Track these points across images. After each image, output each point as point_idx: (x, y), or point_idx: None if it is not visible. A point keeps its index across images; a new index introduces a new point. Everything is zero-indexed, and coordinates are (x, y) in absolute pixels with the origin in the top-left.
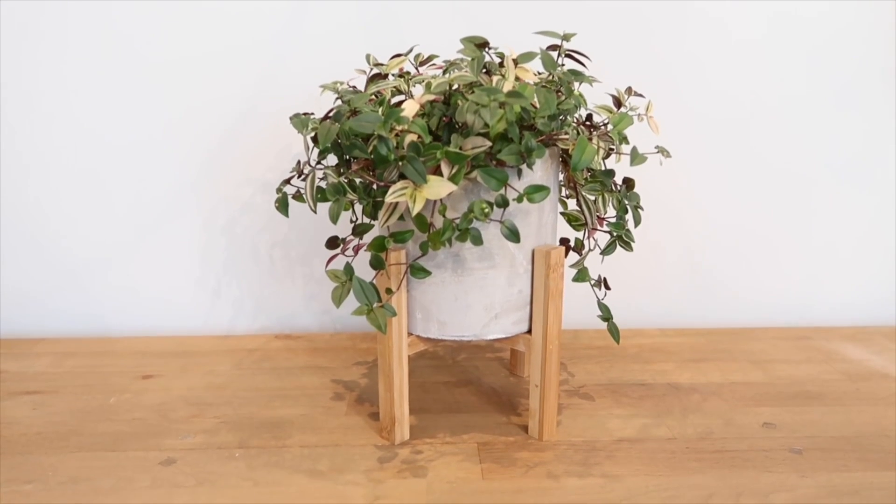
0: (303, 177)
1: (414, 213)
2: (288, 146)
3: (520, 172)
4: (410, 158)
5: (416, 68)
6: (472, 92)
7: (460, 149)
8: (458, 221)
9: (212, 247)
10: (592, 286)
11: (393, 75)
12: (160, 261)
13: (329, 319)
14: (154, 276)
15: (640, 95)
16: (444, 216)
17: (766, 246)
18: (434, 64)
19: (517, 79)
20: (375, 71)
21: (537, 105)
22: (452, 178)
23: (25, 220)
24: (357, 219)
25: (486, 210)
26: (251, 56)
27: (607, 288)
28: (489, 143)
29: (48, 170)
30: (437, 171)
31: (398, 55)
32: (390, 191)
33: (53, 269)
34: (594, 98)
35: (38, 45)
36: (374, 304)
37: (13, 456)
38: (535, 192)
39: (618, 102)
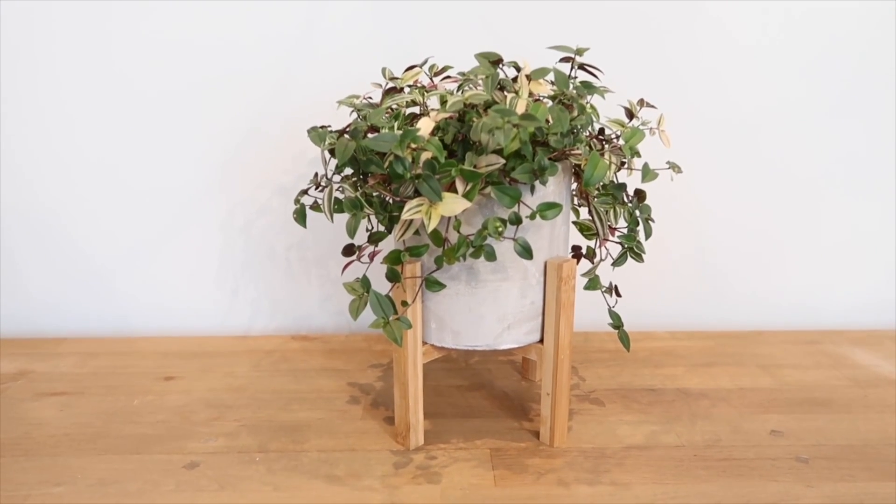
0: (320, 188)
1: (429, 229)
2: (304, 150)
3: (533, 189)
4: (426, 177)
5: (431, 79)
6: (487, 111)
7: (475, 166)
8: (472, 238)
9: (230, 248)
10: (603, 293)
11: (409, 86)
12: (180, 262)
13: (345, 320)
14: (174, 277)
15: (652, 106)
16: (458, 231)
17: (775, 249)
18: (449, 76)
19: (531, 94)
20: (391, 84)
21: (551, 120)
22: (467, 195)
23: (48, 222)
24: (373, 227)
25: (500, 229)
26: (269, 59)
27: (618, 295)
28: (503, 161)
29: (70, 173)
30: (452, 187)
31: (413, 66)
32: (406, 208)
33: (76, 270)
34: (606, 107)
35: (62, 44)
36: (391, 317)
37: (43, 457)
38: (548, 210)
39: (630, 114)
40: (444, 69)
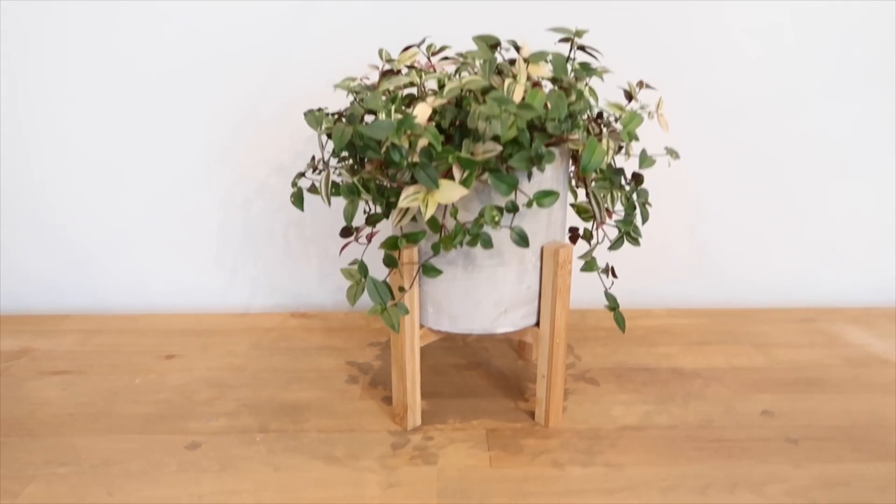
0: (317, 171)
1: (426, 216)
2: (301, 129)
3: (530, 175)
4: (423, 165)
5: (429, 58)
6: (484, 97)
7: (472, 154)
8: (469, 225)
9: (229, 226)
10: (600, 274)
11: (406, 67)
12: (180, 240)
13: (343, 298)
14: (174, 254)
15: (652, 88)
16: (455, 218)
17: (771, 227)
18: (447, 57)
19: (528, 78)
20: (388, 66)
21: (548, 107)
22: (464, 183)
23: (45, 199)
24: (370, 210)
25: (497, 218)
26: (266, 38)
27: (614, 276)
28: (500, 148)
29: (69, 152)
30: (449, 174)
31: (410, 47)
32: (403, 195)
33: (77, 248)
34: (605, 89)
35: (60, 27)
36: (388, 303)
37: (47, 437)
38: (545, 198)
39: (629, 96)
40: (442, 48)
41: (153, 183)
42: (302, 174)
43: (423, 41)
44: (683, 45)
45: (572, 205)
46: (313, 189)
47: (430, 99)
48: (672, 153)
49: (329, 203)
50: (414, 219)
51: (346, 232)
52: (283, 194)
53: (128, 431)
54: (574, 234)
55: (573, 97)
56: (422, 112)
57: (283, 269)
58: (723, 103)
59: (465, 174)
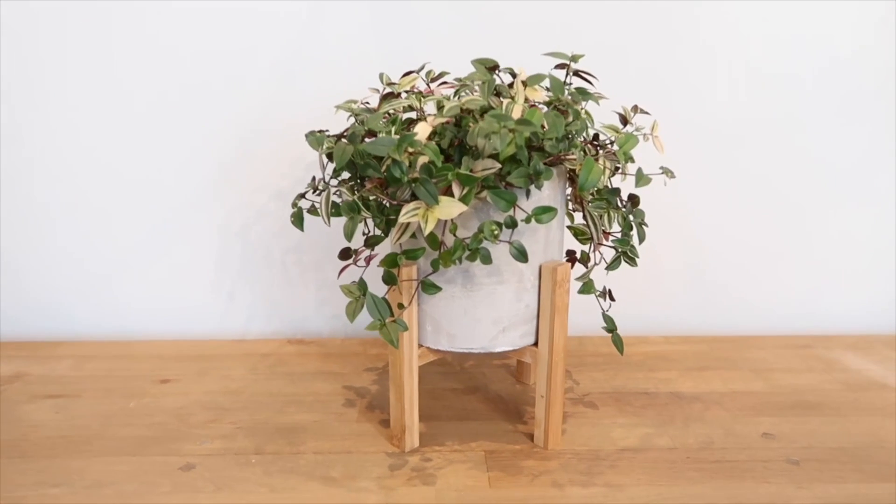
0: (317, 192)
1: (426, 232)
2: (301, 155)
3: (528, 193)
4: (423, 181)
5: (428, 84)
6: (483, 116)
7: (471, 171)
8: (468, 241)
9: (227, 252)
10: (597, 297)
11: (406, 92)
12: (177, 265)
13: (340, 324)
14: (171, 280)
15: (646, 113)
16: (454, 235)
17: (767, 255)
18: (445, 82)
19: (526, 100)
20: (388, 90)
21: (546, 126)
22: (463, 199)
23: (45, 225)
24: (369, 231)
25: (496, 232)
26: (267, 64)
27: (612, 299)
28: (499, 165)
29: (68, 175)
30: (449, 191)
31: (410, 72)
32: (403, 211)
33: (74, 273)
34: (600, 114)
35: (54, 46)
36: (387, 319)
37: (40, 459)
38: (543, 214)
39: (624, 120)
40: (441, 75)
41: (151, 207)
42: (302, 195)
43: (422, 67)
44: (677, 70)
45: (569, 227)
46: (313, 210)
47: (430, 118)
48: (668, 172)
49: (329, 222)
50: (413, 236)
51: (345, 254)
52: (282, 220)
53: (121, 453)
54: (571, 258)
55: (570, 118)
56: (422, 130)
57: (280, 296)
58: (720, 129)
59: (465, 191)
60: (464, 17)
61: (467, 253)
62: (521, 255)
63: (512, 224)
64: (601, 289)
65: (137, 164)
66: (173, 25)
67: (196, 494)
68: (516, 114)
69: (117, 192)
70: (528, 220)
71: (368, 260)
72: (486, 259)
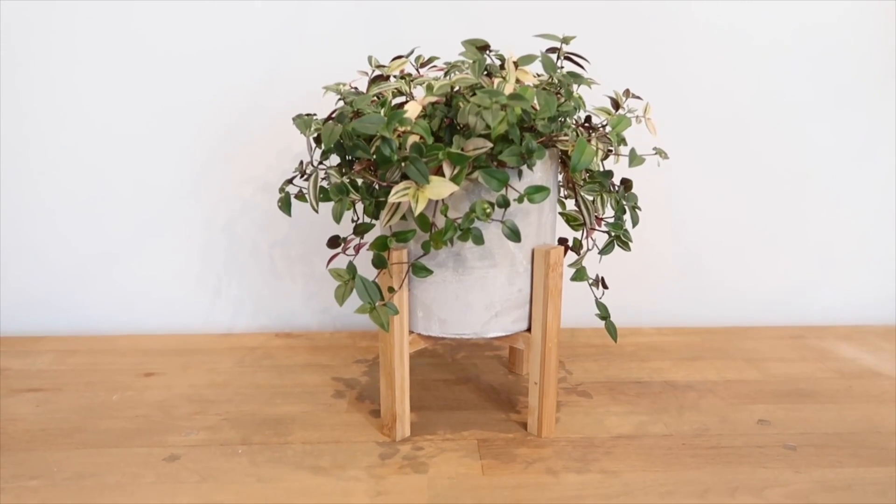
0: (305, 177)
1: (416, 212)
2: (288, 146)
3: (520, 173)
4: (413, 159)
5: (417, 70)
6: (474, 94)
7: (462, 150)
8: (459, 221)
9: (212, 245)
10: (590, 285)
11: (395, 76)
12: (161, 259)
13: (329, 318)
14: (155, 274)
15: (638, 97)
16: (445, 216)
17: (761, 246)
18: (435, 66)
19: (517, 81)
20: (377, 73)
21: (538, 107)
22: (454, 179)
23: (26, 218)
24: (358, 218)
25: (488, 210)
26: (252, 55)
27: (605, 287)
28: (490, 145)
29: (48, 168)
30: (439, 172)
31: (399, 57)
32: (393, 191)
33: (55, 267)
34: (593, 100)
35: (42, 43)
36: (377, 303)
37: (17, 452)
38: (536, 193)
39: (616, 104)
40: (431, 60)
41: (135, 201)
42: (290, 180)
43: (411, 52)
44: (672, 54)
45: (561, 213)
46: (301, 196)
47: (419, 97)
48: (661, 153)
49: (317, 208)
50: (403, 217)
51: (334, 242)
52: (269, 212)
53: (103, 445)
54: (564, 245)
55: (562, 98)
56: (412, 108)
57: (267, 290)
58: (716, 116)
59: (456, 170)
60: (452, 5)
61: (459, 233)
62: (514, 234)
63: (504, 203)
64: (594, 277)
65: (122, 158)
66: (158, 20)
67: (180, 485)
68: (508, 91)
69: (101, 186)
70: (520, 200)
71: (357, 249)
72: (479, 239)
